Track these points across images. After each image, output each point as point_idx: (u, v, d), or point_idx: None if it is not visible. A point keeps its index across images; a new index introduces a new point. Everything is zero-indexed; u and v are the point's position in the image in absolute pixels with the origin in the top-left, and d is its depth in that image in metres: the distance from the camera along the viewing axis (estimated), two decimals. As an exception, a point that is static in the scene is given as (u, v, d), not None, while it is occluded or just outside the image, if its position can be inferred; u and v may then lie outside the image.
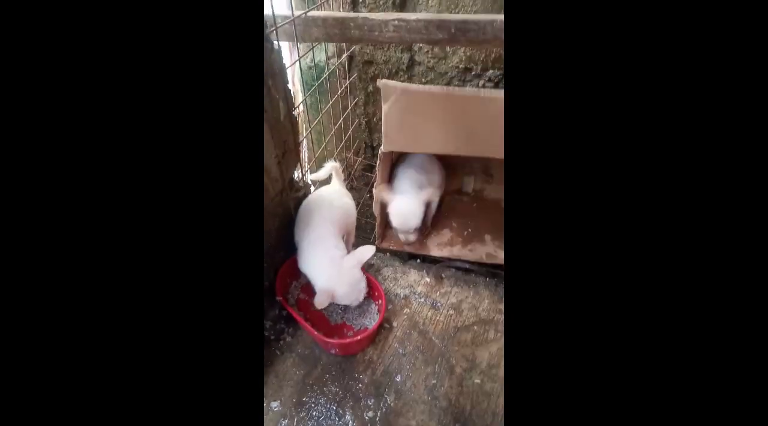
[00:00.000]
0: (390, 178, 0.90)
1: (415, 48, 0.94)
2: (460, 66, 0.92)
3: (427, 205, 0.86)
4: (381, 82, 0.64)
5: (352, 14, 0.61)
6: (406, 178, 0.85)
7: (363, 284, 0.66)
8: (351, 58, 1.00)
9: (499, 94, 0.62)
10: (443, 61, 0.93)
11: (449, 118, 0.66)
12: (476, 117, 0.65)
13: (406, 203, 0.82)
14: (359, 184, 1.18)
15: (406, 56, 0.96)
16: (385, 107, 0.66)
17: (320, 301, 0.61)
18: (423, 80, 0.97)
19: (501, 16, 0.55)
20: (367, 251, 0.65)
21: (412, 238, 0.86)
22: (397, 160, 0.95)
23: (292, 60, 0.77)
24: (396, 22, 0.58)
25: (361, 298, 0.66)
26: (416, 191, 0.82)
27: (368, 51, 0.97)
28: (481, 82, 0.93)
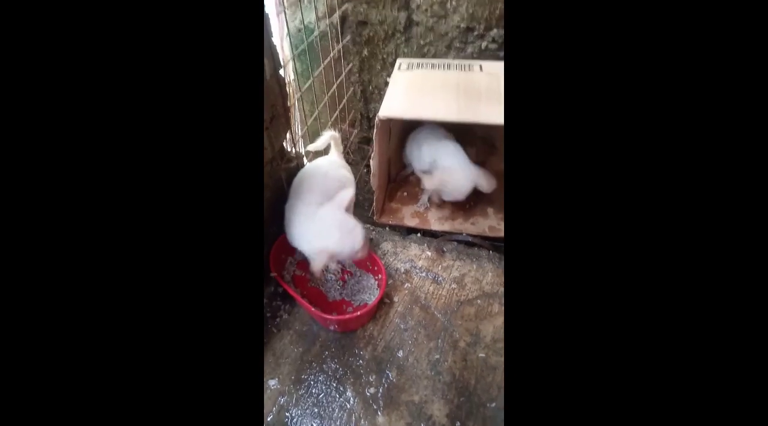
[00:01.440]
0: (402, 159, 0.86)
1: (413, 6, 0.87)
2: (462, 25, 0.85)
3: None
4: (400, 59, 0.59)
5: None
6: (446, 145, 0.80)
7: (358, 230, 0.58)
8: (343, 18, 0.92)
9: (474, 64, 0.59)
10: (443, 20, 0.86)
11: (460, 92, 0.62)
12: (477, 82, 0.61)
13: (461, 173, 0.76)
14: (356, 157, 1.13)
15: (403, 15, 0.88)
16: (394, 74, 0.62)
17: (316, 264, 0.55)
18: (421, 41, 0.90)
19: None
20: (345, 194, 0.59)
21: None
22: (403, 134, 0.90)
23: (278, 17, 0.70)
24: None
25: (357, 244, 0.57)
26: (465, 157, 0.78)
27: (362, 10, 0.90)
28: (484, 43, 0.86)
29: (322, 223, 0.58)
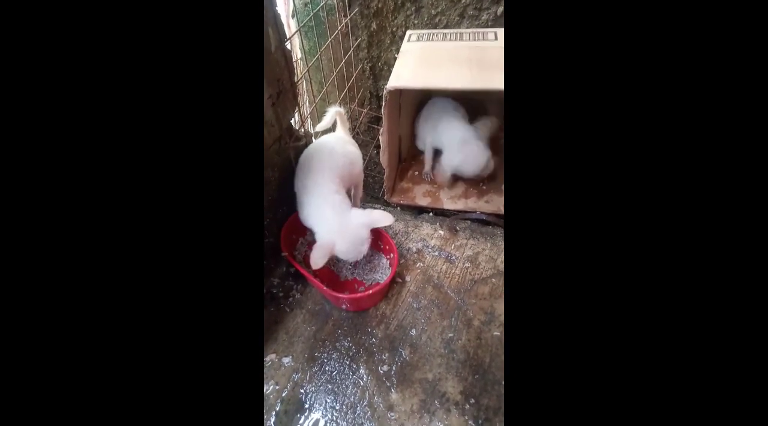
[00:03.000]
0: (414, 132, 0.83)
1: (423, -28, 0.82)
2: (476, -8, 0.80)
3: None
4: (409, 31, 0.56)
5: None
6: (455, 124, 0.77)
7: (366, 247, 0.60)
8: (350, -11, 0.88)
9: (489, 33, 0.55)
10: (456, -13, 0.81)
11: (473, 63, 0.60)
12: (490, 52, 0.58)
13: (476, 145, 0.75)
14: (366, 138, 1.10)
15: (412, -17, 0.84)
16: (404, 45, 0.60)
17: (316, 258, 0.55)
18: (432, 11, 0.86)
19: None
20: (384, 218, 0.59)
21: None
22: (414, 111, 0.87)
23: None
24: None
25: (359, 257, 0.60)
26: (473, 128, 0.76)
27: (369, -20, 0.85)
28: (500, 9, 0.81)
29: (342, 223, 0.58)
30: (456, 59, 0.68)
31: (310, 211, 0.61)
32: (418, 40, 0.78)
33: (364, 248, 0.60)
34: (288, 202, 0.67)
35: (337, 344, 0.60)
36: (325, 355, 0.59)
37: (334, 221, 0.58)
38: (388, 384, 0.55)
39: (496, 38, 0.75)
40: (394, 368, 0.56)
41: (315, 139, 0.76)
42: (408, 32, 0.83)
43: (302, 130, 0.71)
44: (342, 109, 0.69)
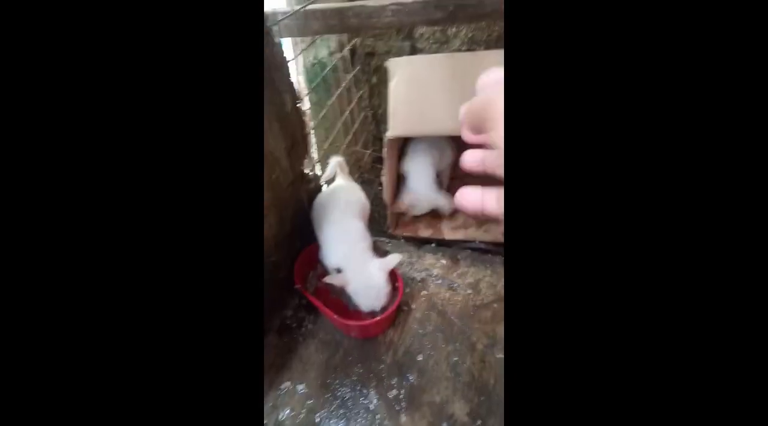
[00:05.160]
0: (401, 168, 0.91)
1: (416, 35, 0.95)
2: (463, 49, 0.92)
3: (442, 173, 0.90)
4: (389, 62, 0.65)
5: (348, 3, 0.63)
6: (418, 157, 0.86)
7: (383, 292, 0.63)
8: (353, 51, 1.02)
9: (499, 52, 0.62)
10: (445, 46, 0.94)
11: (456, 87, 0.64)
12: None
13: (419, 189, 0.84)
14: (370, 176, 1.19)
15: (407, 44, 0.96)
16: (391, 84, 0.67)
17: (330, 278, 0.63)
18: (425, 67, 0.98)
19: (498, -12, 0.55)
20: (395, 259, 0.66)
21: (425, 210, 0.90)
22: (404, 149, 0.96)
23: (295, 55, 0.79)
24: (393, 6, 0.59)
25: (377, 305, 0.63)
26: (430, 171, 0.84)
27: (369, 43, 0.99)
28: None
29: (361, 270, 0.64)
30: (443, 89, 0.68)
31: (338, 257, 0.67)
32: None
33: (381, 295, 0.63)
34: (300, 237, 0.74)
35: (348, 371, 0.63)
36: (337, 381, 0.62)
37: (357, 267, 0.64)
38: (397, 408, 0.57)
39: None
40: (402, 392, 0.59)
41: (322, 184, 0.85)
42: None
43: (312, 173, 0.80)
44: (342, 159, 0.78)
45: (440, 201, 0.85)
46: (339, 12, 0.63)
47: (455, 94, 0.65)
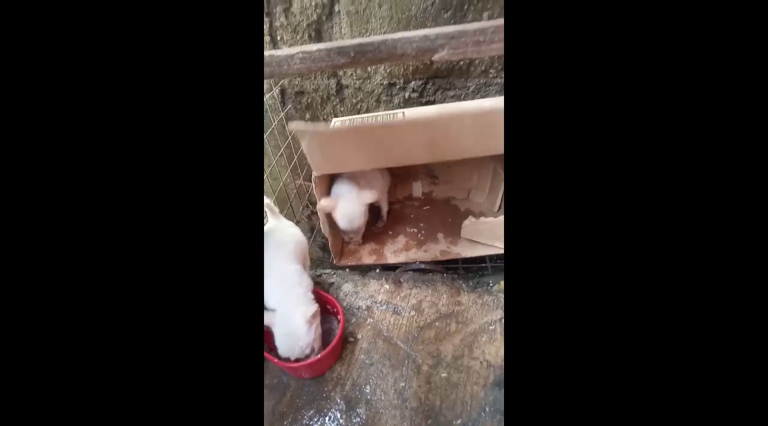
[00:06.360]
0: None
1: (341, 73, 1.00)
2: (384, 82, 0.98)
3: (373, 206, 0.91)
4: (291, 125, 0.68)
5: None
6: (343, 185, 0.88)
7: (302, 343, 0.60)
8: (283, 91, 1.05)
9: (398, 113, 0.67)
10: (368, 81, 0.99)
11: (368, 143, 0.70)
12: (394, 137, 0.69)
13: (348, 205, 0.85)
14: (316, 208, 1.20)
15: (333, 82, 1.01)
16: (303, 145, 0.70)
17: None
18: (353, 100, 1.03)
19: (393, 35, 0.61)
20: (311, 309, 0.62)
21: (357, 238, 0.91)
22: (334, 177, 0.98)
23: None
24: (300, 54, 0.63)
25: (292, 354, 0.61)
26: (355, 193, 0.85)
27: (297, 83, 1.02)
28: (407, 94, 0.99)
29: (287, 320, 0.61)
30: (368, 140, 0.77)
31: (275, 300, 0.64)
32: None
33: (301, 344, 0.61)
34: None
35: (297, 414, 0.62)
36: (285, 428, 0.60)
37: (285, 318, 0.61)
38: (346, 446, 0.57)
39: (403, 116, 0.90)
40: (351, 429, 0.59)
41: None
42: (333, 120, 0.97)
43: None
44: (269, 200, 0.78)
45: (362, 219, 0.86)
46: (251, 62, 0.65)
47: (368, 147, 0.71)
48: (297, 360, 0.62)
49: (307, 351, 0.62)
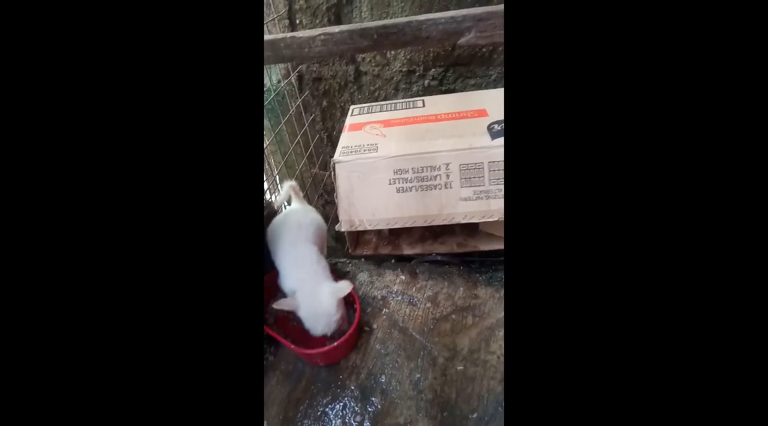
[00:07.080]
0: None
1: (359, 59, 0.98)
2: (404, 69, 0.96)
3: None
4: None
5: (280, 35, 0.64)
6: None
7: (333, 319, 0.62)
8: (300, 77, 1.03)
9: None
10: (387, 68, 0.97)
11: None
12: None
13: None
14: (330, 198, 1.20)
15: (351, 68, 0.99)
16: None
17: (280, 303, 0.62)
18: (371, 88, 1.01)
19: (418, 17, 0.58)
20: (344, 287, 0.64)
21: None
22: None
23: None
24: (322, 36, 0.61)
25: (326, 331, 0.62)
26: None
27: (315, 68, 1.01)
28: (426, 82, 0.97)
29: (311, 295, 0.63)
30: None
31: (294, 279, 0.66)
32: (360, 113, 0.91)
33: (331, 321, 0.62)
34: (255, 268, 0.73)
35: (312, 402, 0.62)
36: (300, 414, 0.60)
37: (307, 291, 0.63)
38: (361, 434, 0.57)
39: (423, 105, 0.88)
40: (366, 417, 0.58)
41: (276, 206, 0.85)
42: (351, 107, 0.96)
43: (270, 198, 0.80)
44: (294, 183, 0.79)
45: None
46: (272, 44, 0.64)
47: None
48: (329, 337, 0.63)
49: (343, 325, 0.62)
